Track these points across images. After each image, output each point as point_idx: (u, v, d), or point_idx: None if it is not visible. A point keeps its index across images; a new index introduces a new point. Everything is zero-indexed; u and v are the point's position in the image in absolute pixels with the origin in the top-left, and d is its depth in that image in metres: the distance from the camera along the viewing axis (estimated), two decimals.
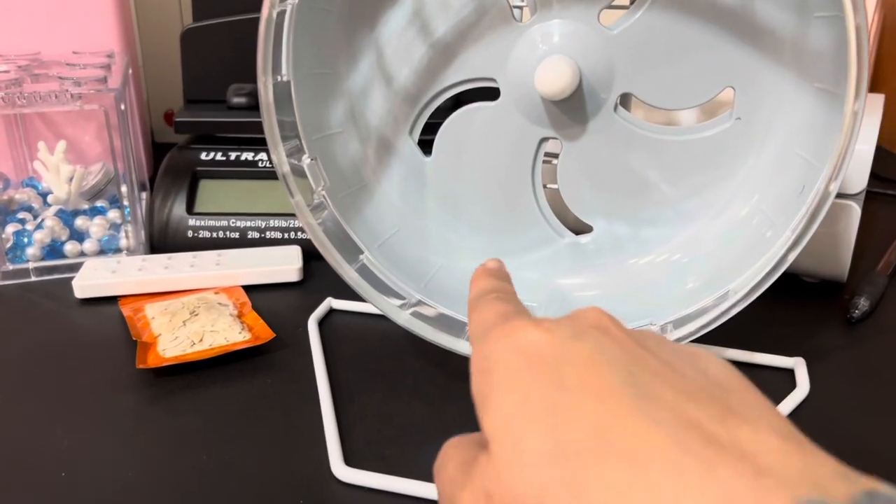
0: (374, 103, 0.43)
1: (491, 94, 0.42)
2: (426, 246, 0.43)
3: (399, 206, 0.44)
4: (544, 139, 0.42)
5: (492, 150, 0.42)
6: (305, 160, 0.38)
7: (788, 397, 0.39)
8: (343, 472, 0.33)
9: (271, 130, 0.37)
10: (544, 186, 0.43)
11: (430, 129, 0.43)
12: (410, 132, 0.43)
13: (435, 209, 0.44)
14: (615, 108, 0.40)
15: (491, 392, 0.20)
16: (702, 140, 0.41)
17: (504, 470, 0.18)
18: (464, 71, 0.41)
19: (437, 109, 0.43)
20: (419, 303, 0.40)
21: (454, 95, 0.43)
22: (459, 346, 0.39)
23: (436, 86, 0.42)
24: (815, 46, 0.36)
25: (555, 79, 0.37)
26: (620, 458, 0.16)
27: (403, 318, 0.39)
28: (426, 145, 0.43)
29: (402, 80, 0.42)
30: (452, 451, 0.22)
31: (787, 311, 0.48)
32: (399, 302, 0.39)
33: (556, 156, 0.42)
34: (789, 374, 0.42)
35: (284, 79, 0.37)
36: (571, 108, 0.40)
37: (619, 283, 0.43)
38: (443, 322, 0.40)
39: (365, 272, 0.40)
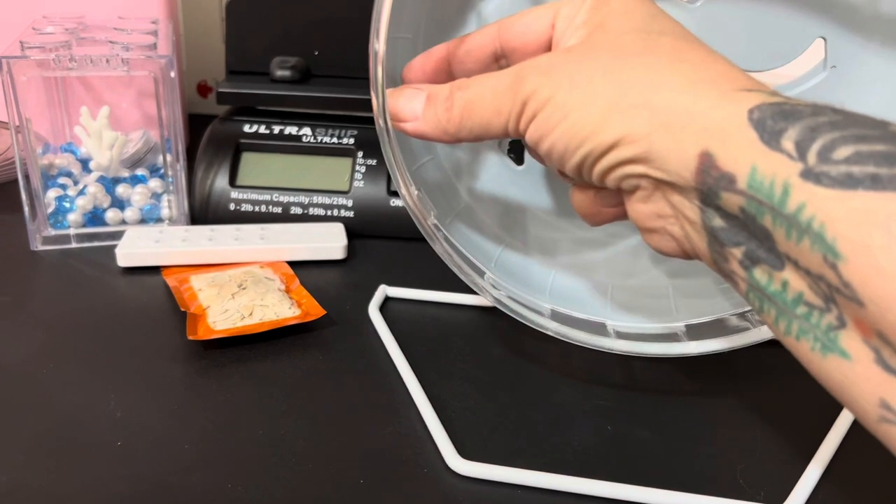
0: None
1: None
2: (531, 252, 0.43)
3: (500, 226, 0.44)
4: None
5: None
6: (413, 192, 0.37)
7: None
8: (461, 465, 0.33)
9: (398, 164, 0.36)
10: None
11: None
12: (500, 143, 0.43)
13: (536, 214, 0.44)
14: None
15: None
16: (799, 95, 0.40)
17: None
18: None
19: None
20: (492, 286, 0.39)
21: None
22: (550, 325, 0.39)
23: None
24: None
25: None
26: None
27: (494, 296, 0.39)
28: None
29: None
30: None
31: None
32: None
33: None
34: None
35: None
36: None
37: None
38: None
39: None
